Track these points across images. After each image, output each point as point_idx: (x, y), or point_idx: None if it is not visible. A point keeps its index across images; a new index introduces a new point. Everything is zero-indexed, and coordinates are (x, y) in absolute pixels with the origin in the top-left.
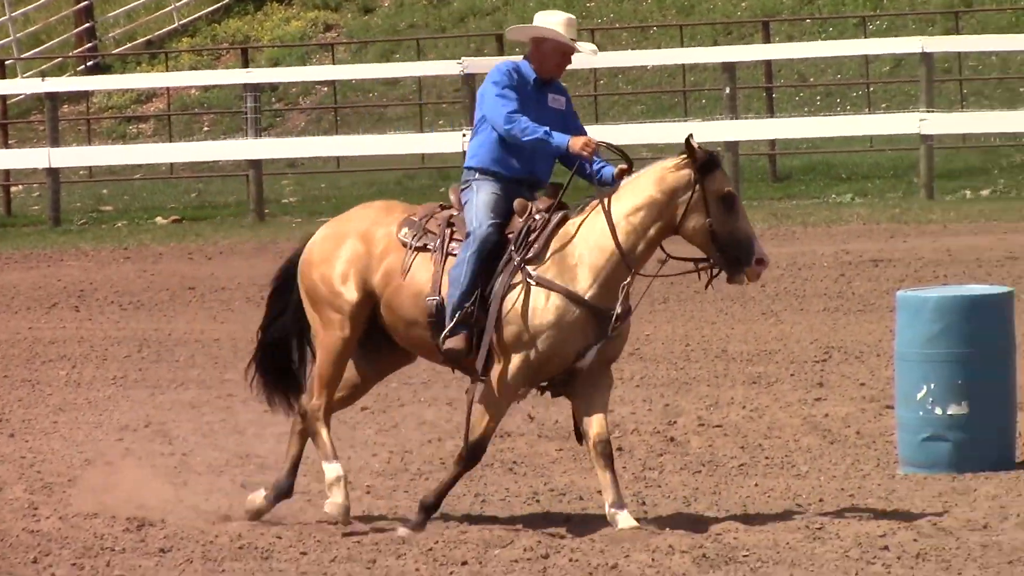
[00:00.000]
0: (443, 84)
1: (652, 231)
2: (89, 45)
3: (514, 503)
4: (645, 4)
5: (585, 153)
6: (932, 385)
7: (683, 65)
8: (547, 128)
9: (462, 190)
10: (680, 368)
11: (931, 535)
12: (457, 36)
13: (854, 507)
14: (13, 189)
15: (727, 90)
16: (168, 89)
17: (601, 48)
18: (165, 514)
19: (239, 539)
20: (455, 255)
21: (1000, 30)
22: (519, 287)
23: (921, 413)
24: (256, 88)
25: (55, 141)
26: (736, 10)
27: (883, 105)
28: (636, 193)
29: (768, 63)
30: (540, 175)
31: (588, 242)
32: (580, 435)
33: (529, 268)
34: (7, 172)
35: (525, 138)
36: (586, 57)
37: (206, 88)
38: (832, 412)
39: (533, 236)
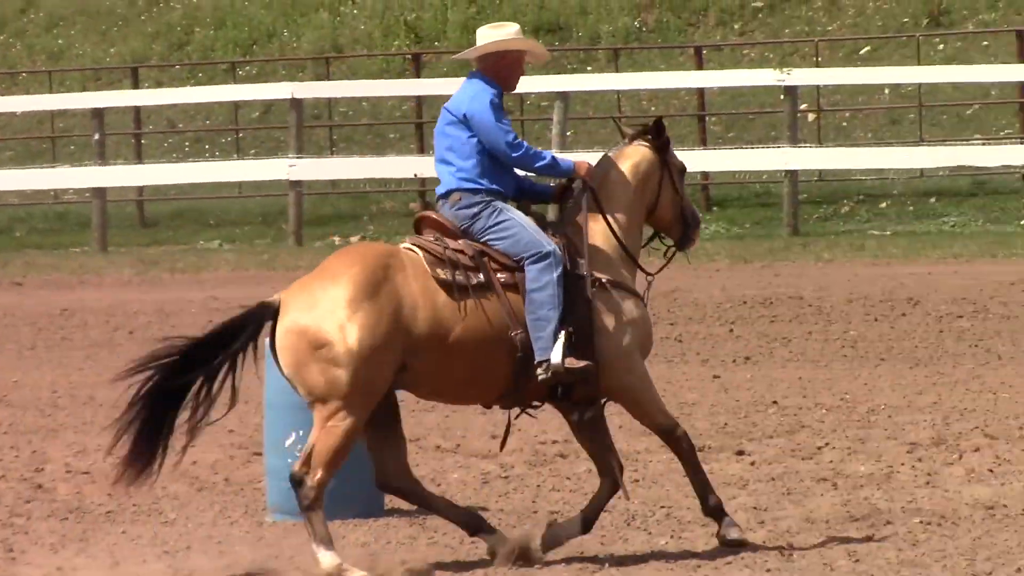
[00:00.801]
0: None
1: (642, 220)
2: None
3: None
4: (15, 50)
5: (588, 177)
6: (300, 432)
7: (52, 111)
8: (551, 153)
9: (478, 213)
10: (48, 415)
11: None
12: None
13: (222, 554)
14: None
15: (96, 136)
16: None
17: None
18: None
19: None
20: (509, 284)
21: (371, 76)
22: (601, 296)
23: (290, 460)
24: None
25: None
26: (105, 56)
27: (252, 151)
28: (620, 188)
29: (137, 109)
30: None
31: (609, 245)
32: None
33: (599, 276)
34: None
35: (536, 164)
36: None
37: None
38: (200, 459)
39: (571, 248)
